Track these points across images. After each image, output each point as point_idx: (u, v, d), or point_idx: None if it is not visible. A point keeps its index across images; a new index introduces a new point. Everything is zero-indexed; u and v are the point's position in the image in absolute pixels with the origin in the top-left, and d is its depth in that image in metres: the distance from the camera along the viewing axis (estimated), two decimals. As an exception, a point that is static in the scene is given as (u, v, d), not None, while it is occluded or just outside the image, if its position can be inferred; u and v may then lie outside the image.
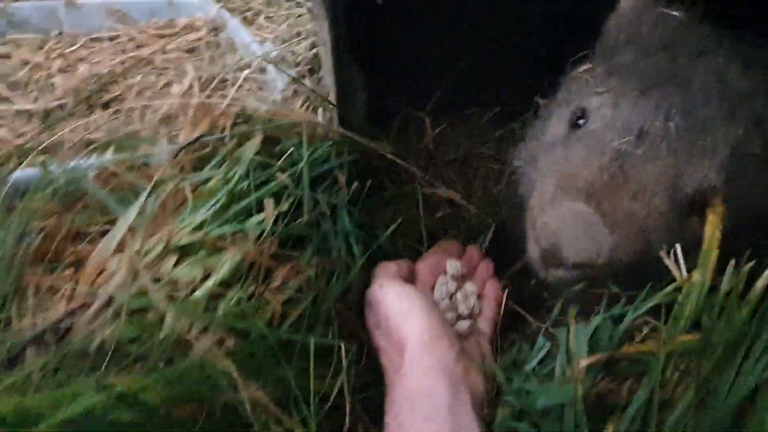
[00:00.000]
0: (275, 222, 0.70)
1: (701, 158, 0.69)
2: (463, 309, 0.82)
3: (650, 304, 0.69)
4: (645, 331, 0.73)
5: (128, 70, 1.22)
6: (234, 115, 0.99)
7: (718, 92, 0.73)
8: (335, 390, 0.66)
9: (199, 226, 0.67)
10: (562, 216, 0.67)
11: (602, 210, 0.65)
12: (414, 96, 1.22)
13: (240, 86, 1.18)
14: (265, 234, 0.68)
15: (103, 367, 0.59)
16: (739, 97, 0.74)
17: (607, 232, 0.65)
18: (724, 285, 0.63)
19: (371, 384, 0.72)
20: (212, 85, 1.19)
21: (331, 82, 1.05)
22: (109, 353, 0.60)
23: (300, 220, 0.72)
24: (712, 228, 0.65)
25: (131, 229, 0.68)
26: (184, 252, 0.65)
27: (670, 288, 0.67)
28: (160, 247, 0.64)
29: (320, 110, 1.09)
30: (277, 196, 0.75)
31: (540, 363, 0.77)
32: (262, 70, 1.23)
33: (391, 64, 1.12)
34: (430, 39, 1.15)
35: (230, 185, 0.72)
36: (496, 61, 1.17)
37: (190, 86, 1.17)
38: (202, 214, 0.68)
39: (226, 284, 0.64)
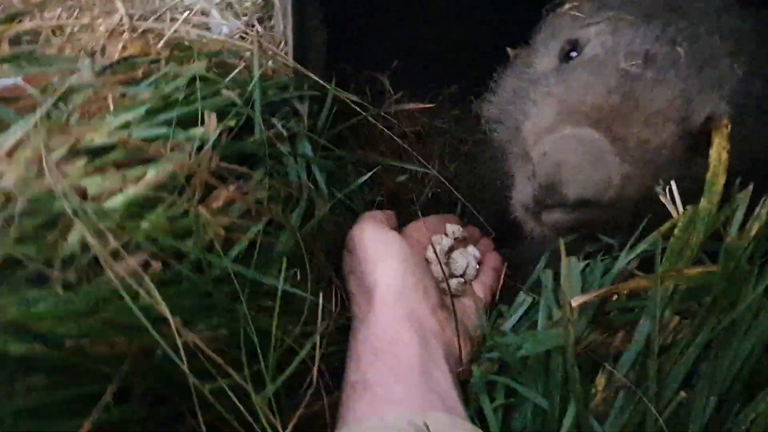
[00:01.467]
0: (219, 137, 0.57)
1: (711, 88, 0.63)
2: (455, 268, 0.72)
3: (646, 245, 0.61)
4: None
5: (44, 4, 1.05)
6: (172, 44, 0.86)
7: (719, 27, 0.68)
8: (305, 350, 0.53)
9: (121, 128, 0.53)
10: (566, 143, 0.58)
11: (612, 136, 0.58)
12: (371, 63, 1.14)
13: (178, 29, 1.04)
14: (205, 147, 0.55)
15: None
16: (740, 34, 0.69)
17: (617, 162, 0.57)
18: (737, 216, 0.56)
19: (335, 342, 0.60)
20: (146, 25, 1.04)
21: (287, 21, 0.94)
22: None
23: (252, 138, 0.59)
24: (718, 151, 0.58)
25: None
26: (98, 156, 0.51)
27: (667, 225, 0.59)
28: (64, 149, 0.49)
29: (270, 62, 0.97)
30: (223, 115, 0.62)
31: (519, 321, 0.68)
32: (205, 13, 1.10)
33: (349, 24, 1.04)
34: (391, 6, 1.07)
35: (164, 92, 0.59)
36: (456, 38, 1.11)
37: (120, 24, 1.03)
38: (125, 118, 0.54)
39: (152, 199, 0.50)
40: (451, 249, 0.76)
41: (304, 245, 0.57)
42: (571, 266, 0.59)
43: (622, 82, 0.60)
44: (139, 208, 0.49)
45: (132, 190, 0.48)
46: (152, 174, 0.50)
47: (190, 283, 0.46)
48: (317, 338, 0.53)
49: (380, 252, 0.64)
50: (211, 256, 0.49)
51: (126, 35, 0.96)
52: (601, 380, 0.57)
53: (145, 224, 0.47)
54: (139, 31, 1.01)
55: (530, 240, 0.80)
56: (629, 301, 0.60)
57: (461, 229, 0.80)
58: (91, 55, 0.77)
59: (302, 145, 0.66)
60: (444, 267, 0.70)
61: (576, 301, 0.54)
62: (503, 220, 0.81)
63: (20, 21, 1.01)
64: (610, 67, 0.62)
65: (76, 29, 1.01)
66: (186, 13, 1.07)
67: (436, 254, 0.70)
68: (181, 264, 0.48)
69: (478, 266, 0.75)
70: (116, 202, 0.47)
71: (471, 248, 0.77)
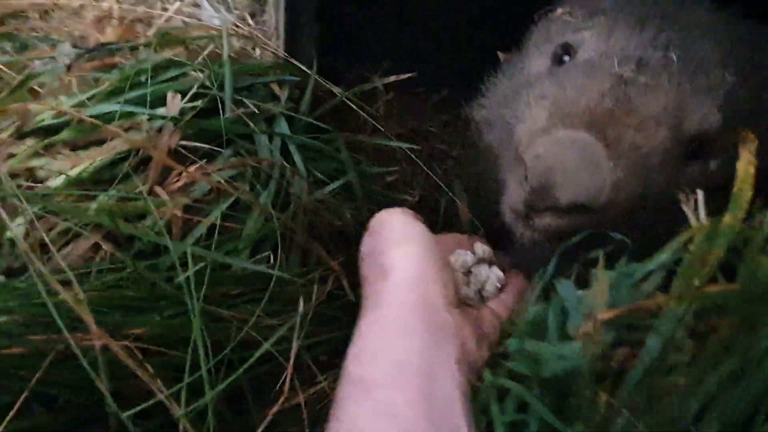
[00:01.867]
0: (181, 117, 0.54)
1: (703, 96, 0.63)
2: (476, 281, 0.68)
3: (671, 253, 0.56)
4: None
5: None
6: (155, 33, 0.83)
7: (710, 35, 0.68)
8: (270, 342, 0.48)
9: (74, 108, 0.50)
10: (560, 145, 0.57)
11: (606, 139, 0.56)
12: (363, 64, 1.12)
13: (169, 19, 1.02)
14: (165, 126, 0.51)
15: None
16: (729, 43, 0.68)
17: (610, 165, 0.56)
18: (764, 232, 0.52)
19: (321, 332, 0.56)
20: (135, 13, 1.01)
21: (280, 15, 0.92)
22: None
23: (222, 117, 0.56)
24: (745, 165, 0.55)
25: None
26: (49, 135, 0.47)
27: (686, 235, 0.55)
28: (11, 130, 0.46)
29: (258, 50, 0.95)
30: (193, 96, 0.59)
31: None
32: (197, 5, 1.07)
33: (343, 24, 1.01)
34: (385, 8, 1.04)
35: (126, 72, 0.56)
36: (448, 43, 1.08)
37: (110, 14, 1.00)
38: (80, 97, 0.51)
39: (105, 180, 0.47)
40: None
41: (279, 226, 0.53)
42: (600, 277, 0.55)
43: (616, 86, 0.60)
44: (87, 189, 0.46)
45: (76, 170, 0.45)
46: (101, 152, 0.46)
47: (135, 272, 0.42)
48: (295, 331, 0.48)
49: (404, 235, 0.60)
50: (166, 239, 0.45)
51: (114, 22, 0.94)
52: (603, 395, 0.52)
53: (92, 206, 0.43)
54: (128, 19, 0.99)
55: (519, 247, 0.76)
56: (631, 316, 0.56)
57: (489, 250, 0.76)
58: (73, 40, 0.74)
59: (278, 124, 0.62)
60: (463, 276, 0.67)
61: (604, 315, 0.49)
62: (491, 228, 0.78)
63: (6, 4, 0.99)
64: (604, 71, 0.61)
65: (64, 15, 0.99)
66: (177, 4, 1.05)
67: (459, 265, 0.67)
68: (132, 248, 0.44)
69: (499, 285, 0.71)
70: (57, 182, 0.44)
71: (495, 268, 0.73)
